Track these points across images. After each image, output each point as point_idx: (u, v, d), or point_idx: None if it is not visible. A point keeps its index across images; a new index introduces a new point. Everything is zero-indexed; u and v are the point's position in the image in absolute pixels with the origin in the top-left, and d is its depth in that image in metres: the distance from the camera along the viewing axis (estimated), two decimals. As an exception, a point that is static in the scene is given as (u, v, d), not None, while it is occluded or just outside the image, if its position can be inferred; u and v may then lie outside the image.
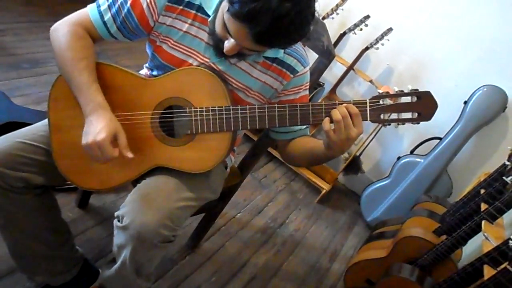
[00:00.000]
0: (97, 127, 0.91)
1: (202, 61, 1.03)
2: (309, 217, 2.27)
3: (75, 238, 1.26)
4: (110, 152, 0.92)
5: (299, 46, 1.08)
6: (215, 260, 1.68)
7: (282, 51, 1.04)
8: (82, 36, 0.99)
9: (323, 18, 2.30)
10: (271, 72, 1.06)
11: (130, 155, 0.94)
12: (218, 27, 0.93)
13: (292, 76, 1.07)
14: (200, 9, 0.99)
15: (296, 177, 2.53)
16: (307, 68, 1.10)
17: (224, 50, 0.93)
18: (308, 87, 1.14)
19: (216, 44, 0.97)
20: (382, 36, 2.20)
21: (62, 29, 0.98)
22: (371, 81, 2.34)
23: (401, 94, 0.92)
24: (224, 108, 0.98)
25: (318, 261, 1.98)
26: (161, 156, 1.03)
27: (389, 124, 0.95)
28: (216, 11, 0.97)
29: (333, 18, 2.31)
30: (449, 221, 1.59)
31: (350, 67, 2.31)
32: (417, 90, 0.92)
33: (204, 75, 0.99)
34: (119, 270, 1.04)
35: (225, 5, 0.88)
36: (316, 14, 0.93)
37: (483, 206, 1.41)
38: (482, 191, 1.57)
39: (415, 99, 0.93)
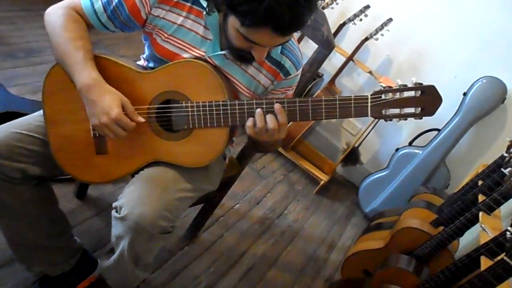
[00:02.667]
0: (105, 104, 0.90)
1: (197, 55, 1.01)
2: (307, 208, 2.27)
3: (73, 228, 1.26)
4: (128, 123, 0.93)
5: (296, 46, 1.06)
6: (213, 251, 1.69)
7: (279, 49, 1.03)
8: (77, 19, 0.98)
9: (323, 8, 2.27)
10: (265, 71, 1.05)
11: (141, 119, 0.95)
12: (236, 42, 0.91)
13: (284, 78, 1.06)
14: (195, 1, 0.97)
15: (295, 168, 2.53)
16: (300, 71, 1.10)
17: (257, 60, 0.94)
18: (295, 87, 1.13)
19: (241, 57, 0.96)
20: (382, 27, 2.18)
21: (57, 11, 0.97)
22: (370, 72, 2.33)
23: (405, 88, 0.89)
24: (221, 103, 0.96)
25: (316, 252, 2.00)
26: (158, 150, 1.02)
27: (391, 120, 0.93)
28: (221, 31, 0.95)
29: (332, 8, 2.29)
30: (447, 212, 1.59)
31: (350, 58, 2.29)
32: (421, 84, 0.89)
33: (201, 68, 0.97)
34: (117, 261, 1.04)
35: (234, 21, 0.86)
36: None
37: (481, 198, 1.41)
38: (480, 182, 1.57)
39: (418, 93, 0.90)
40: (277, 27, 0.83)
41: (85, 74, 0.92)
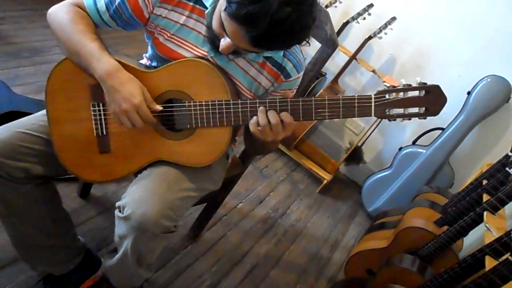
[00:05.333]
0: (127, 91, 0.90)
1: (199, 55, 1.01)
2: (310, 207, 2.27)
3: (76, 227, 1.26)
4: (148, 113, 0.93)
5: (298, 49, 1.06)
6: (216, 250, 1.69)
7: (281, 52, 1.03)
8: (84, 15, 0.98)
9: (326, 6, 2.27)
10: (266, 73, 1.04)
11: (159, 107, 0.95)
12: (214, 24, 0.90)
13: (284, 80, 1.06)
14: (198, 1, 0.97)
15: (298, 167, 2.53)
16: (301, 74, 1.09)
17: (220, 49, 0.92)
18: (296, 90, 1.12)
19: (212, 40, 0.95)
20: (385, 25, 2.17)
21: (62, 9, 0.97)
22: (373, 71, 2.32)
23: (409, 88, 0.88)
24: (224, 102, 0.96)
25: (319, 251, 1.99)
26: (161, 150, 1.02)
27: (395, 120, 0.92)
28: (213, 4, 0.94)
29: (336, 6, 2.28)
30: (451, 211, 1.58)
31: (353, 57, 2.29)
32: (425, 83, 0.88)
33: (204, 67, 0.97)
34: (120, 260, 1.04)
35: (222, 2, 0.85)
36: (319, 2, 0.91)
37: (485, 197, 1.40)
38: (485, 182, 1.56)
39: (423, 93, 0.89)
40: (251, 34, 0.82)
41: (105, 61, 0.92)
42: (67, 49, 0.96)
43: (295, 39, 0.87)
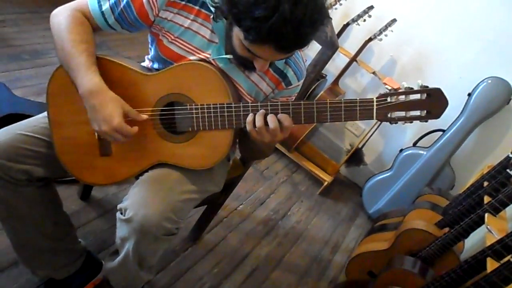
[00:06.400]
0: (106, 112, 0.90)
1: (202, 58, 1.01)
2: (311, 209, 2.27)
3: (77, 230, 1.26)
4: (130, 131, 0.93)
5: (300, 58, 1.07)
6: (217, 252, 1.69)
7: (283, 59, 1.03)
8: (82, 22, 0.98)
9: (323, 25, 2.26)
10: (268, 79, 1.05)
11: (145, 116, 0.97)
12: (239, 51, 0.91)
13: (285, 87, 1.06)
14: (204, 5, 0.97)
15: (298, 169, 2.53)
16: (301, 81, 1.10)
17: (258, 71, 0.95)
18: (295, 97, 1.13)
19: (243, 64, 0.97)
20: (385, 27, 2.17)
21: (63, 13, 0.97)
22: (374, 73, 2.32)
23: (411, 91, 0.89)
24: (225, 105, 0.96)
25: (320, 253, 1.99)
26: (163, 153, 1.02)
27: (396, 123, 0.92)
28: (226, 37, 0.95)
29: (336, 8, 2.28)
30: (452, 213, 1.58)
31: (353, 59, 2.29)
32: (427, 87, 0.89)
33: (206, 70, 0.97)
34: (122, 262, 1.04)
35: (238, 33, 0.86)
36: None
37: (487, 199, 1.40)
38: (486, 183, 1.56)
39: (424, 96, 0.89)
40: (280, 45, 0.83)
41: (88, 78, 0.91)
42: (59, 57, 0.97)
43: (319, 23, 0.86)
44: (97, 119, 0.92)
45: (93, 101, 0.91)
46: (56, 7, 1.00)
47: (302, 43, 0.86)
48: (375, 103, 0.91)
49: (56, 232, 1.13)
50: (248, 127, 0.94)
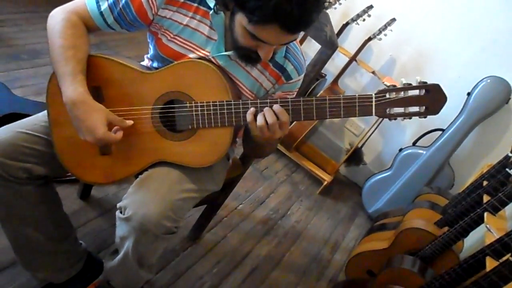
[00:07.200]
0: (90, 123, 0.90)
1: (201, 55, 1.01)
2: (310, 208, 2.27)
3: (77, 229, 1.26)
4: (114, 138, 0.93)
5: (299, 52, 1.06)
6: (216, 252, 1.69)
7: (283, 53, 1.03)
8: (75, 25, 0.96)
9: (326, 8, 2.27)
10: (268, 74, 1.05)
11: (130, 122, 0.97)
12: (243, 41, 0.91)
13: (285, 81, 1.06)
14: (202, 1, 0.97)
15: (298, 169, 2.53)
16: (302, 76, 1.09)
17: (263, 60, 0.93)
18: (296, 93, 1.13)
19: (247, 57, 0.95)
20: (385, 27, 2.17)
21: (58, 16, 0.96)
22: (373, 72, 2.32)
23: (409, 87, 0.89)
24: (225, 102, 0.96)
25: (320, 253, 1.99)
26: (163, 151, 1.02)
27: (395, 119, 0.92)
28: (226, 32, 0.95)
29: (335, 8, 2.28)
30: (451, 212, 1.58)
31: (353, 58, 2.29)
32: (425, 82, 0.89)
33: (205, 68, 0.97)
34: (121, 261, 1.04)
35: (241, 19, 0.86)
36: None
37: (486, 198, 1.40)
38: (485, 182, 1.56)
39: (423, 92, 0.89)
40: (285, 23, 0.83)
41: (72, 88, 0.90)
42: (51, 61, 0.96)
43: (321, 5, 0.86)
44: (81, 129, 0.92)
45: (76, 112, 0.91)
46: (55, 7, 0.99)
47: (307, 20, 0.85)
48: (374, 99, 0.91)
49: (56, 233, 1.13)
50: (249, 118, 0.94)
